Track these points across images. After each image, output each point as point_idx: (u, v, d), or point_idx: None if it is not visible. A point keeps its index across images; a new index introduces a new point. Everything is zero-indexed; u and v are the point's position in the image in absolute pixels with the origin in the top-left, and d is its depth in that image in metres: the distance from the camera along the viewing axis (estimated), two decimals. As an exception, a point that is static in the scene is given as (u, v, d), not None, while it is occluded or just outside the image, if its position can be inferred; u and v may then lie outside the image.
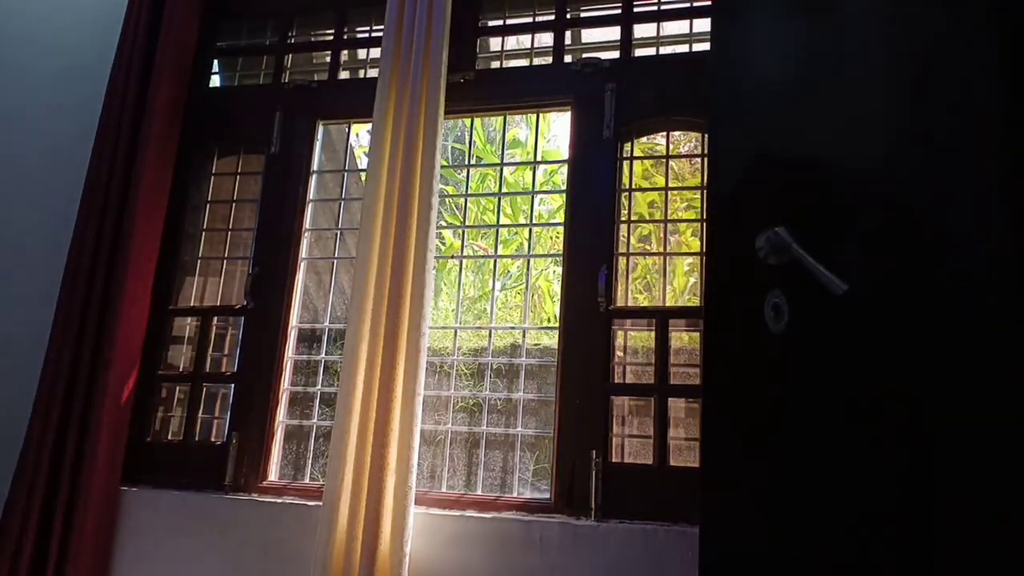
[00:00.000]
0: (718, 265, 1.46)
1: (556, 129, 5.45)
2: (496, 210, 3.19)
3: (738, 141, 1.41)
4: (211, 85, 2.74)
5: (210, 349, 2.43)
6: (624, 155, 2.23)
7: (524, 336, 2.52)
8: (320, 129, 2.53)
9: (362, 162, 2.32)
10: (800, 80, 1.25)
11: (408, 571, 1.90)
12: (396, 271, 2.06)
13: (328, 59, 2.62)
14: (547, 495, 2.04)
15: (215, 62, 2.76)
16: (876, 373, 1.03)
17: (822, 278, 1.05)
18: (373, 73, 2.50)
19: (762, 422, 1.26)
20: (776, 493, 1.21)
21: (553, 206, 5.44)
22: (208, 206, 2.59)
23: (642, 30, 2.37)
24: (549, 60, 2.40)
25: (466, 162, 5.47)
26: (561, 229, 2.25)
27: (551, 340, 2.95)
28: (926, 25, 1.01)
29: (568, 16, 2.42)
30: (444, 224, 4.80)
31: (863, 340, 1.06)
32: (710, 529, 1.36)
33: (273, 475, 2.26)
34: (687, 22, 2.35)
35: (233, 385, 2.34)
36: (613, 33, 2.35)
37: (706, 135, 2.04)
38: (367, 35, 2.68)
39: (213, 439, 2.37)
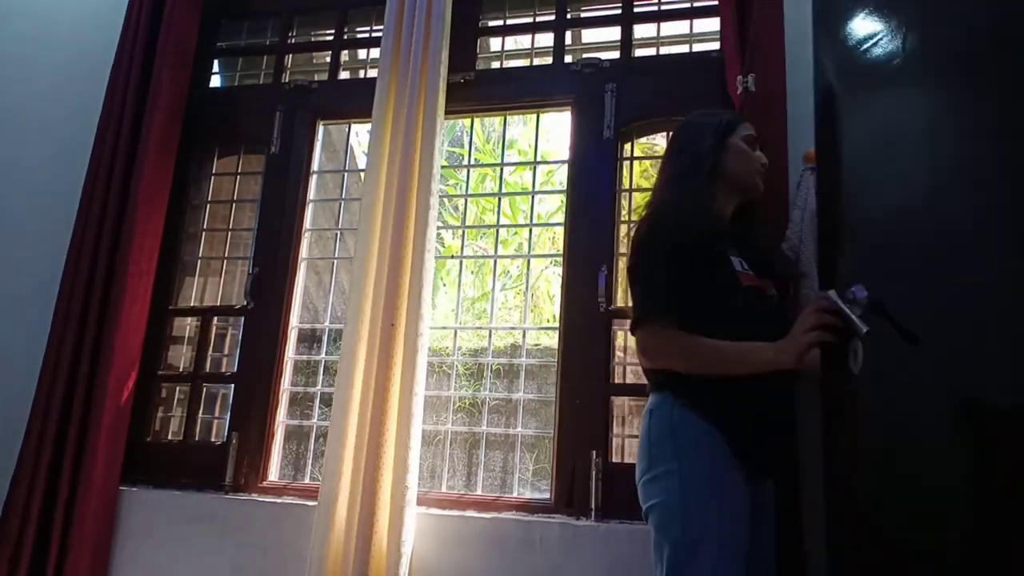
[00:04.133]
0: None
1: (548, 128, 5.38)
2: (496, 210, 3.19)
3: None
4: (211, 85, 2.74)
5: (210, 349, 2.43)
6: (624, 155, 2.23)
7: (524, 336, 2.52)
8: (320, 129, 2.53)
9: (362, 162, 2.31)
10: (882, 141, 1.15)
11: (408, 571, 1.90)
12: (394, 271, 2.05)
13: (328, 59, 2.62)
14: (547, 495, 2.04)
15: (215, 62, 2.76)
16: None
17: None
18: (373, 73, 2.50)
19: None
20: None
21: (552, 206, 5.43)
22: (208, 206, 2.59)
23: (642, 30, 2.37)
24: (549, 60, 2.40)
25: (464, 164, 5.46)
26: (561, 229, 2.25)
27: (551, 340, 2.95)
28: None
29: (568, 16, 2.42)
30: (443, 224, 4.80)
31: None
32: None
33: (273, 475, 2.25)
34: (687, 22, 2.35)
35: (233, 385, 2.34)
36: (613, 33, 2.35)
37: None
38: (367, 35, 2.68)
39: (213, 439, 2.37)
